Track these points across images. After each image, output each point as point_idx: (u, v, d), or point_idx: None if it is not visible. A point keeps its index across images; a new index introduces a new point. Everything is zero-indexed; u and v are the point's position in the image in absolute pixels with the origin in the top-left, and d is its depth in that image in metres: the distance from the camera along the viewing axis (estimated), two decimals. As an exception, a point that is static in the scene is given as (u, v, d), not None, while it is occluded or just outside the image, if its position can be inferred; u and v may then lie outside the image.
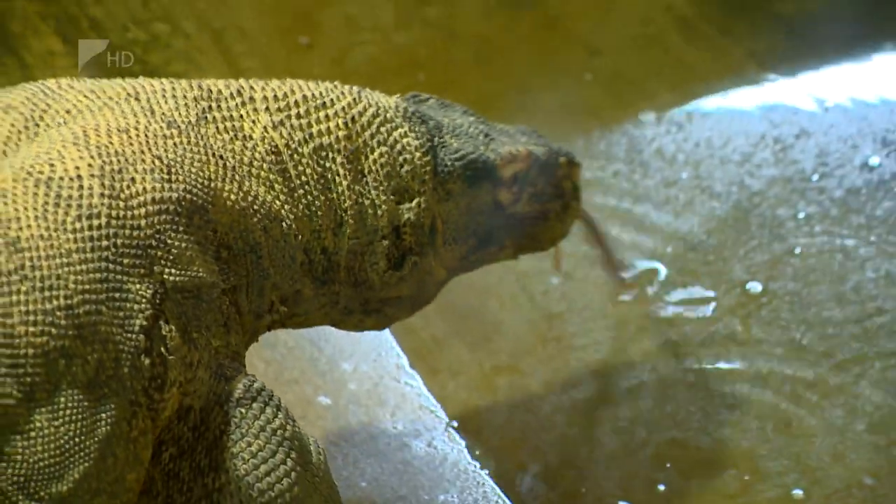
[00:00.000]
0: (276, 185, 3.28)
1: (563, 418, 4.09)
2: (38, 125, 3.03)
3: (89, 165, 2.86)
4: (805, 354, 4.09)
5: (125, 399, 2.82)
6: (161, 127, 3.08)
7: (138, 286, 2.89)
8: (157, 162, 3.00)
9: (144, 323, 2.84)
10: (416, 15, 4.44)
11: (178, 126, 3.11)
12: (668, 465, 3.99)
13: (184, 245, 2.99)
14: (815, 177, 4.44)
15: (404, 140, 3.41)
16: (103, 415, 2.77)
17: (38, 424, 2.68)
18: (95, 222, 2.79)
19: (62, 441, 2.70)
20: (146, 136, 3.03)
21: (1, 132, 2.99)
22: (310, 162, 3.30)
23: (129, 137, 2.98)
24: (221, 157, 3.16)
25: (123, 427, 2.83)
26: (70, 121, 3.04)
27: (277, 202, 3.27)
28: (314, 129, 3.33)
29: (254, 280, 3.25)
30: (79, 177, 2.83)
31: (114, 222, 2.83)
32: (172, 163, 3.02)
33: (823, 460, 3.84)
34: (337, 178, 3.34)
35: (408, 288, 3.62)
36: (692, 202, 4.43)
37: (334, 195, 3.34)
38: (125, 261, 2.85)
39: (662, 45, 4.55)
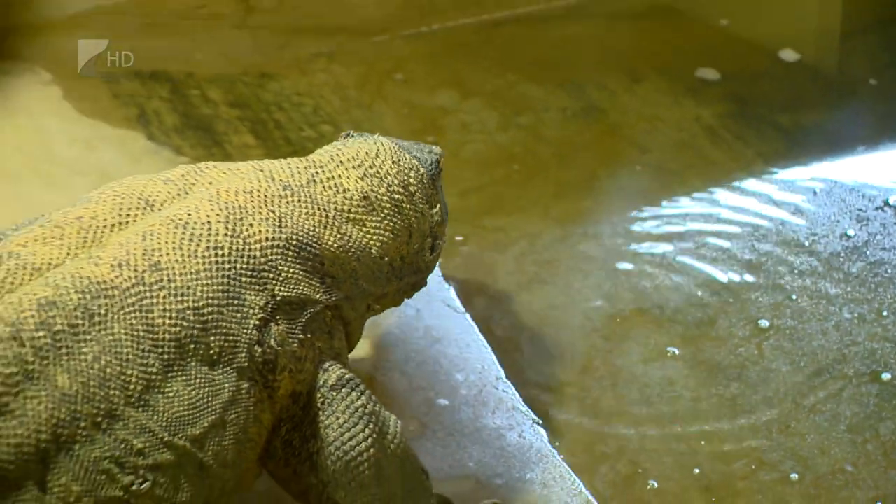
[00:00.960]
0: (367, 223, 3.63)
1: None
2: (187, 192, 3.41)
3: (217, 215, 3.28)
4: (800, 373, 4.24)
5: (243, 375, 3.17)
6: (278, 189, 3.47)
7: (253, 297, 3.26)
8: (271, 214, 3.39)
9: (257, 323, 3.22)
10: (512, 122, 4.65)
11: (292, 188, 3.51)
12: (700, 456, 4.01)
13: (291, 271, 3.38)
14: (807, 243, 4.56)
15: (415, 165, 3.81)
16: (225, 384, 3.12)
17: (175, 388, 3.00)
18: (219, 252, 3.21)
19: (194, 400, 3.04)
20: (265, 195, 3.43)
21: (160, 196, 3.35)
22: (386, 198, 3.66)
23: (252, 196, 3.39)
24: (325, 209, 3.54)
25: (242, 394, 3.17)
26: (209, 188, 3.42)
27: (368, 236, 3.63)
28: (383, 174, 3.70)
29: (354, 296, 3.61)
30: (208, 222, 3.24)
31: (234, 253, 3.23)
32: (283, 215, 3.42)
33: (813, 452, 4.00)
34: (402, 203, 3.71)
35: (435, 263, 3.96)
36: (716, 257, 4.49)
37: (403, 216, 3.71)
38: (243, 279, 3.24)
39: (694, 147, 4.68)
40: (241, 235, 3.30)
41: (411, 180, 3.81)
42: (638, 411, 4.04)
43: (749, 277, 4.50)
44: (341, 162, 3.72)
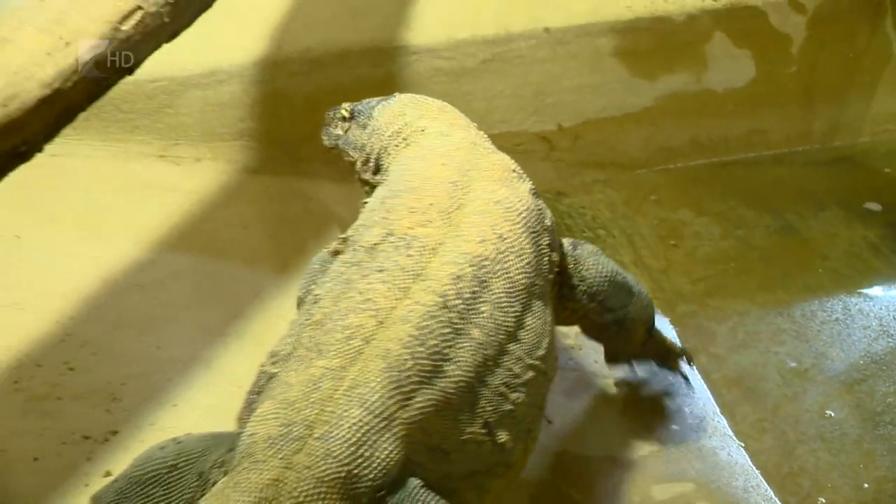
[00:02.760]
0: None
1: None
2: (467, 173, 3.40)
3: (505, 189, 3.33)
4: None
5: (549, 295, 3.29)
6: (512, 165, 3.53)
7: (544, 242, 3.32)
8: (525, 183, 3.45)
9: (548, 258, 3.30)
10: (731, 233, 4.67)
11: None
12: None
13: (546, 213, 3.42)
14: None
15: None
16: (546, 309, 3.18)
17: (529, 322, 3.05)
18: (525, 218, 3.26)
19: (537, 327, 3.08)
20: (512, 169, 3.50)
21: (453, 177, 3.35)
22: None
23: (509, 172, 3.47)
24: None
25: (549, 310, 3.22)
26: (480, 171, 3.45)
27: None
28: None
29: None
30: (507, 197, 3.28)
31: (532, 218, 3.29)
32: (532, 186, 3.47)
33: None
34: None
35: None
36: (867, 325, 4.38)
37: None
38: (538, 232, 3.28)
39: (861, 258, 4.55)
40: (522, 195, 3.37)
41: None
42: (813, 444, 3.91)
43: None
44: (463, 122, 3.78)
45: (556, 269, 3.43)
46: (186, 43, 3.33)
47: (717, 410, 3.96)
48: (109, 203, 4.27)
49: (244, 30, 4.46)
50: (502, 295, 3.02)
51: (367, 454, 2.55)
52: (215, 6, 3.36)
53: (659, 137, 5.03)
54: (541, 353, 3.06)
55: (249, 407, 2.83)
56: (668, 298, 4.49)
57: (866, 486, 3.75)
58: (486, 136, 3.66)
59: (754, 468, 3.74)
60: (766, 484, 3.68)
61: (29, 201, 3.79)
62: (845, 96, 5.06)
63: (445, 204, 3.20)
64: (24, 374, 3.56)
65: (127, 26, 3.01)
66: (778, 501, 3.62)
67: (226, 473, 2.55)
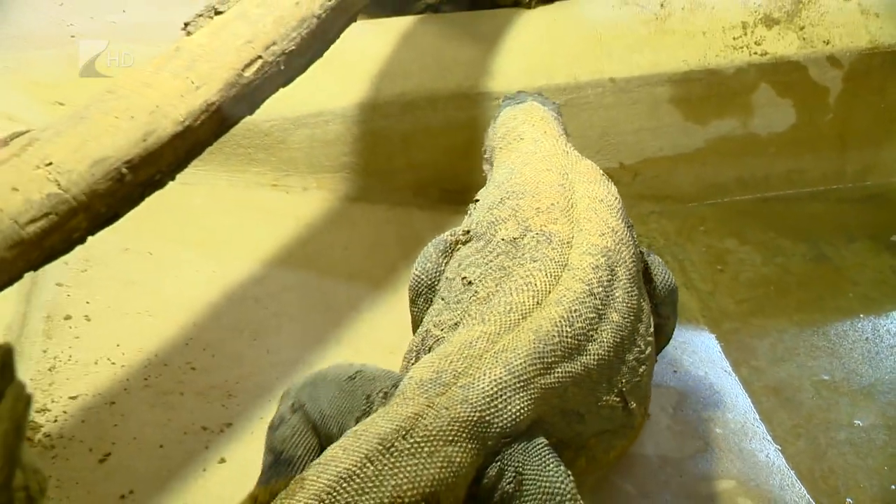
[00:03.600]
0: None
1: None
2: (566, 174, 3.47)
3: (602, 188, 3.44)
4: None
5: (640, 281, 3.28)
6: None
7: (638, 247, 3.39)
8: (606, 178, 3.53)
9: (636, 244, 3.34)
10: (770, 261, 4.64)
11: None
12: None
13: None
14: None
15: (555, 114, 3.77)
16: (642, 293, 3.25)
17: (643, 304, 3.20)
18: (616, 210, 3.35)
19: (648, 308, 3.24)
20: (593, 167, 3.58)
21: (557, 180, 3.44)
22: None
23: (592, 169, 3.57)
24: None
25: (641, 291, 3.28)
26: (577, 173, 3.53)
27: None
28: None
29: None
30: (605, 194, 3.41)
31: (619, 210, 3.39)
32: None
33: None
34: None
35: None
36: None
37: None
38: (627, 222, 3.39)
39: (890, 284, 4.53)
40: (613, 193, 3.45)
41: (564, 130, 3.92)
42: (843, 448, 3.87)
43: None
44: (556, 132, 3.80)
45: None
46: (298, 87, 3.36)
47: (757, 417, 3.93)
48: (228, 225, 4.32)
49: (347, 77, 4.48)
50: (626, 281, 3.12)
51: (500, 406, 2.64)
52: (324, 56, 3.39)
53: (708, 175, 4.99)
54: (652, 329, 3.19)
55: (416, 359, 3.02)
56: (715, 317, 4.46)
57: (893, 487, 3.72)
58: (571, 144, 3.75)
59: (789, 469, 3.70)
60: (799, 483, 3.64)
61: (160, 223, 3.81)
62: (876, 141, 5.01)
63: (563, 204, 3.29)
64: (153, 373, 3.60)
65: (249, 73, 3.05)
66: (811, 499, 3.58)
67: (383, 399, 2.74)
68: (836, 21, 4.83)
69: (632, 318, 3.05)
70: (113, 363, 3.62)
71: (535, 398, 2.72)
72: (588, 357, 2.87)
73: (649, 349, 3.12)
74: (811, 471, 3.75)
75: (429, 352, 2.94)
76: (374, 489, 2.42)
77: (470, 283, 3.15)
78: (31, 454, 2.52)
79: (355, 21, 3.55)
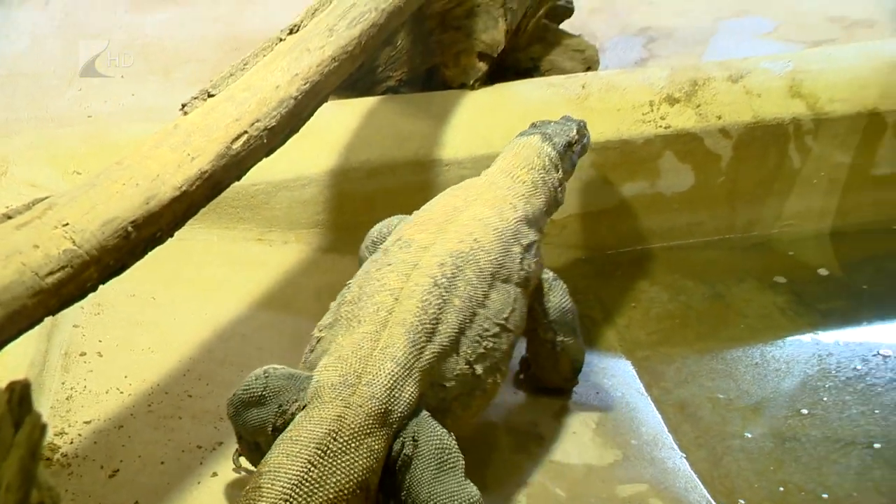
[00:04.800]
0: (536, 195, 3.76)
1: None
2: (468, 203, 3.54)
3: (491, 210, 3.49)
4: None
5: (517, 285, 3.38)
6: (505, 191, 3.65)
7: (516, 248, 3.45)
8: (510, 204, 3.59)
9: (519, 259, 3.44)
10: (675, 298, 4.61)
11: (508, 187, 3.70)
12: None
13: (526, 230, 3.57)
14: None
15: (549, 151, 3.83)
16: (511, 290, 3.35)
17: (494, 296, 3.26)
18: (497, 229, 3.42)
19: (502, 300, 3.28)
20: (503, 196, 3.61)
21: (457, 203, 3.53)
22: (540, 179, 3.79)
23: (498, 199, 3.58)
24: (525, 195, 3.70)
25: (518, 294, 3.39)
26: (479, 199, 3.57)
27: (538, 199, 3.74)
28: (537, 166, 3.82)
29: (542, 230, 3.75)
30: (490, 216, 3.46)
31: (504, 228, 3.46)
32: (516, 205, 3.60)
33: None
34: (545, 177, 3.80)
35: (564, 198, 3.97)
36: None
37: (547, 184, 3.80)
38: (510, 240, 3.45)
39: (772, 317, 4.56)
40: (504, 219, 3.47)
41: (547, 162, 3.83)
42: (737, 455, 3.84)
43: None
44: (519, 165, 3.76)
45: (534, 280, 3.53)
46: (279, 157, 3.35)
47: (666, 430, 3.91)
48: (219, 274, 4.29)
49: (320, 148, 4.46)
50: (472, 276, 3.20)
51: (397, 395, 2.83)
52: (301, 131, 3.38)
53: (624, 227, 4.97)
54: (504, 316, 3.25)
55: (306, 360, 3.10)
56: (630, 346, 4.45)
57: (781, 489, 3.71)
58: (526, 178, 3.78)
59: (693, 473, 3.68)
60: (701, 486, 3.63)
61: (162, 272, 3.76)
62: (760, 199, 5.04)
63: (441, 219, 3.40)
64: (155, 400, 3.58)
65: (236, 146, 3.03)
66: (710, 499, 3.57)
67: (300, 408, 2.80)
68: (725, 100, 4.85)
69: (474, 304, 3.15)
70: (121, 392, 3.60)
71: (418, 380, 2.91)
72: (442, 336, 3.02)
73: (496, 329, 3.21)
74: (710, 475, 3.73)
75: (313, 349, 3.09)
76: (320, 489, 2.57)
77: (348, 286, 3.27)
78: (45, 474, 2.50)
79: (326, 101, 3.54)
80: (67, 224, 2.45)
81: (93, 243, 2.48)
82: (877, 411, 3.99)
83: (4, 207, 2.54)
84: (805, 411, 4.04)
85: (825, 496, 3.61)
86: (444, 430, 2.87)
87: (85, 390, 3.58)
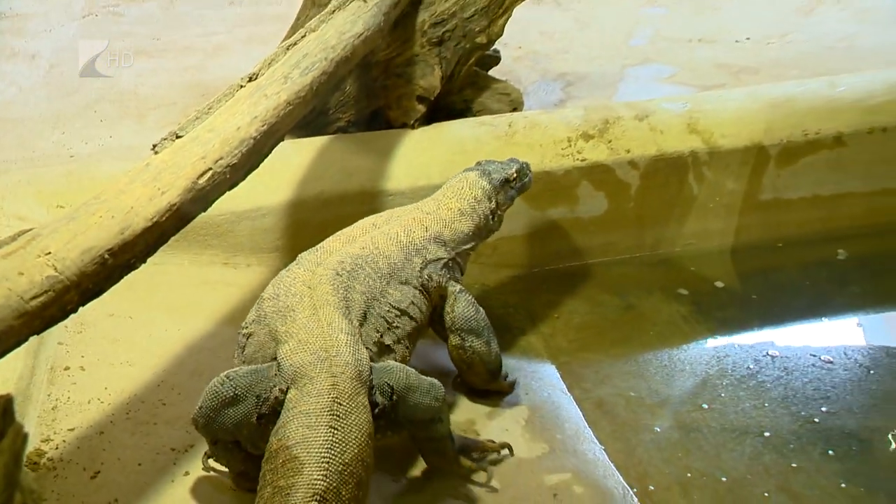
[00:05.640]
0: (462, 220, 3.80)
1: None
2: (389, 221, 3.65)
3: (400, 229, 3.57)
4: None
5: (416, 288, 3.47)
6: (423, 215, 3.71)
7: (417, 259, 3.54)
8: (422, 226, 3.65)
9: (419, 269, 3.51)
10: (588, 309, 4.49)
11: (430, 213, 3.75)
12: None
13: (433, 248, 3.63)
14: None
15: (483, 185, 3.87)
16: (409, 292, 3.43)
17: (391, 292, 3.36)
18: (401, 243, 3.51)
19: (399, 297, 3.38)
20: (418, 218, 3.68)
21: (378, 221, 3.64)
22: (468, 207, 3.83)
23: (414, 221, 3.66)
24: (445, 219, 3.74)
25: (417, 295, 3.47)
26: (399, 220, 3.66)
27: (463, 225, 3.78)
28: (467, 196, 3.86)
29: (460, 252, 3.77)
30: (398, 232, 3.56)
31: (408, 243, 3.54)
32: (429, 226, 3.67)
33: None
34: (475, 206, 3.84)
35: (497, 227, 3.99)
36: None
37: (477, 213, 3.83)
38: (412, 252, 3.54)
39: (675, 324, 4.55)
40: (411, 236, 3.54)
41: (479, 194, 3.85)
42: (648, 446, 3.86)
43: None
44: (450, 195, 3.82)
45: (436, 289, 3.59)
46: (241, 190, 3.33)
47: (586, 425, 3.88)
48: (189, 294, 4.24)
49: (278, 182, 4.41)
50: (371, 273, 3.29)
51: (360, 357, 2.93)
52: (260, 167, 3.36)
53: (547, 247, 4.95)
54: (404, 306, 3.35)
55: (240, 357, 3.15)
56: (554, 352, 4.43)
57: (689, 475, 3.72)
58: (453, 206, 3.83)
59: (610, 463, 3.66)
60: (617, 473, 3.61)
61: (138, 294, 3.70)
62: (664, 222, 5.05)
63: (355, 233, 3.51)
64: (133, 408, 3.54)
65: (202, 181, 3.00)
66: (625, 484, 3.56)
67: (282, 391, 2.82)
68: (633, 136, 4.84)
69: (374, 292, 3.26)
70: (102, 402, 3.55)
71: (362, 343, 3.04)
72: (357, 312, 3.15)
73: (395, 313, 3.32)
74: (625, 463, 3.73)
75: (244, 345, 3.14)
76: (347, 448, 2.65)
77: (263, 292, 3.34)
78: (28, 478, 2.47)
79: (283, 140, 3.51)
80: (50, 253, 2.42)
81: (73, 270, 2.46)
82: (766, 405, 4.02)
83: (-6, 239, 2.58)
84: (706, 406, 4.06)
85: (724, 479, 3.64)
86: (399, 364, 3.05)
87: (69, 401, 3.54)
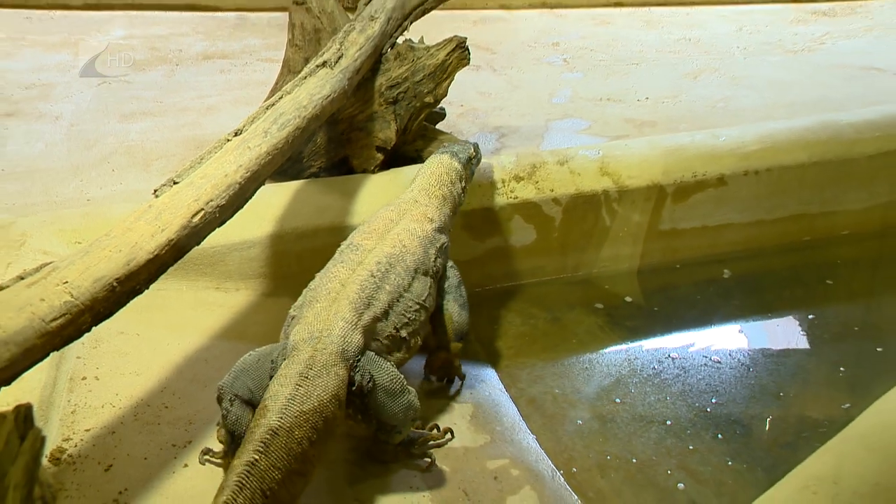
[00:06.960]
0: (445, 205, 3.79)
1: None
2: (402, 216, 3.58)
3: (415, 222, 3.52)
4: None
5: (431, 277, 3.44)
6: (424, 206, 3.66)
7: (432, 250, 3.50)
8: (428, 217, 3.61)
9: (433, 258, 3.50)
10: (527, 322, 4.40)
11: (426, 204, 3.70)
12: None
13: (438, 236, 3.60)
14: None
15: (457, 167, 3.91)
16: (428, 281, 3.41)
17: (415, 285, 3.33)
18: (419, 236, 3.47)
19: (422, 288, 3.35)
20: (422, 211, 3.64)
21: (393, 216, 3.55)
22: (447, 191, 3.84)
23: (425, 215, 3.61)
24: (439, 207, 3.72)
25: (431, 283, 3.44)
26: (407, 214, 3.58)
27: (448, 208, 3.79)
28: (447, 181, 3.87)
29: (448, 233, 3.73)
30: (415, 227, 3.49)
31: (424, 236, 3.49)
32: (433, 217, 3.65)
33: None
34: (452, 189, 3.86)
35: (463, 200, 4.01)
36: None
37: (453, 194, 3.86)
38: (427, 244, 3.49)
39: (595, 334, 4.51)
40: (424, 229, 3.51)
41: (454, 176, 3.89)
42: (573, 436, 3.85)
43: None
44: (434, 183, 3.81)
45: (441, 269, 3.58)
46: (229, 226, 3.30)
47: (521, 418, 3.87)
48: (187, 314, 4.18)
49: (260, 219, 4.37)
50: (401, 270, 3.27)
51: (349, 341, 2.95)
52: (245, 207, 3.33)
53: (486, 271, 4.92)
54: (422, 299, 3.33)
55: (285, 332, 3.13)
56: (494, 358, 4.44)
57: (608, 458, 3.72)
58: (439, 195, 3.83)
59: (541, 450, 3.66)
60: (547, 458, 3.60)
61: (144, 315, 3.67)
62: (582, 249, 5.05)
63: (382, 230, 3.45)
64: (140, 411, 3.49)
65: (196, 219, 2.98)
66: (554, 467, 3.55)
67: (285, 359, 2.88)
68: (556, 178, 4.85)
69: (400, 289, 3.23)
70: (114, 406, 3.51)
71: (361, 333, 3.01)
72: (375, 309, 3.12)
73: (416, 307, 3.30)
74: (554, 450, 3.71)
75: (289, 324, 3.12)
76: (308, 400, 2.70)
77: (314, 278, 3.33)
78: (45, 474, 2.46)
79: (264, 184, 3.49)
80: (67, 282, 2.41)
81: (87, 296, 2.44)
82: (668, 398, 4.05)
83: (21, 270, 2.51)
84: (618, 400, 4.07)
85: (634, 461, 3.66)
86: (389, 364, 3.03)
87: (86, 406, 3.49)
